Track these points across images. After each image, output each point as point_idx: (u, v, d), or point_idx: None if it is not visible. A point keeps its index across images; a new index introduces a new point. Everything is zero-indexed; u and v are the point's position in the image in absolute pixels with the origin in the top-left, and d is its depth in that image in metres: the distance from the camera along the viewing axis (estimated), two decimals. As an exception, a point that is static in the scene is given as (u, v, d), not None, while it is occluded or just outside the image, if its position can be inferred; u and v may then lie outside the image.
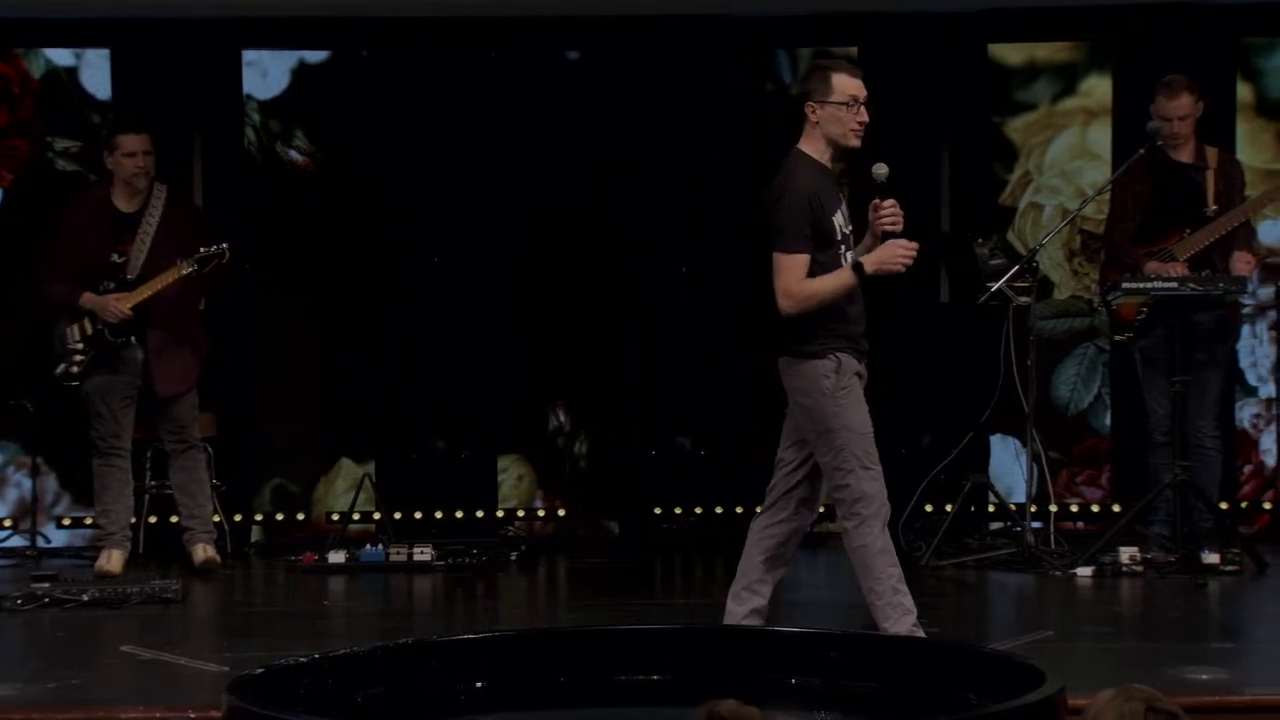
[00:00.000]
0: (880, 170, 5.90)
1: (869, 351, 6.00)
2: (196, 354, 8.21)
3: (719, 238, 9.32)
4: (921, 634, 5.82)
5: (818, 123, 5.94)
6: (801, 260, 5.83)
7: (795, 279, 5.84)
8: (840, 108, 5.88)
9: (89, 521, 8.88)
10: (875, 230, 5.91)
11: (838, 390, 5.89)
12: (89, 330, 8.04)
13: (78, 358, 8.06)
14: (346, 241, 9.27)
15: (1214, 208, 7.99)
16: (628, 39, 9.31)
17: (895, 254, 5.79)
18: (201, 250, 7.87)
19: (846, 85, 5.91)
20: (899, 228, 5.86)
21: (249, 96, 9.33)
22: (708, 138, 9.31)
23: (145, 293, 7.96)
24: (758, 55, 9.47)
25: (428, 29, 9.24)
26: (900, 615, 5.85)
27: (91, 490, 8.36)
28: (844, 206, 6.00)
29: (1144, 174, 8.03)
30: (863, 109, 5.91)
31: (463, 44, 9.30)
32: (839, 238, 5.91)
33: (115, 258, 8.04)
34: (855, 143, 5.93)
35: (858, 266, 5.82)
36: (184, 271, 7.87)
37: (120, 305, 7.95)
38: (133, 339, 8.03)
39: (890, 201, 5.87)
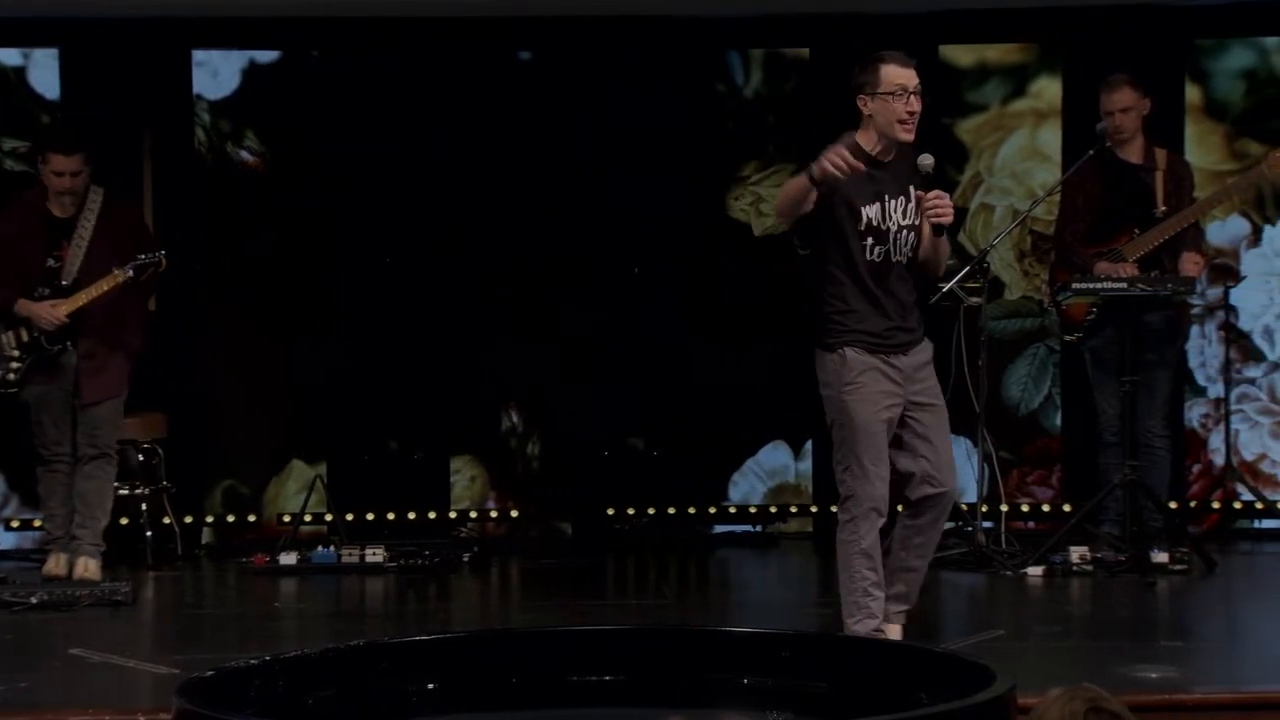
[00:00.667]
0: (925, 161, 5.95)
1: (904, 344, 6.00)
2: (128, 360, 8.05)
3: (672, 237, 9.33)
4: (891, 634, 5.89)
5: (870, 115, 5.99)
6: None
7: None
8: (888, 98, 5.92)
9: (37, 524, 8.83)
10: (929, 221, 5.98)
11: (843, 385, 5.97)
12: (25, 337, 7.90)
13: (14, 364, 7.91)
14: (297, 242, 9.24)
15: (1163, 208, 8.04)
16: (579, 40, 9.31)
17: (828, 153, 5.78)
18: (139, 257, 7.74)
19: (895, 75, 5.95)
20: (947, 219, 5.93)
21: (199, 97, 9.29)
22: (659, 138, 9.31)
23: (81, 299, 7.80)
24: (709, 56, 9.48)
25: (378, 29, 9.22)
26: (863, 618, 5.91)
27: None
28: (895, 202, 5.97)
29: (1093, 174, 8.07)
30: (913, 98, 5.93)
31: (413, 44, 9.29)
32: (863, 227, 5.93)
33: (50, 263, 7.89)
34: (903, 135, 5.95)
35: (808, 169, 5.83)
36: (120, 279, 7.73)
37: (56, 312, 7.80)
38: (69, 345, 7.91)
39: (934, 192, 5.91)
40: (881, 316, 5.98)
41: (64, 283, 7.88)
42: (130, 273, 7.72)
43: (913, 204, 5.99)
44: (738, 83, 9.48)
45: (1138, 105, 8.06)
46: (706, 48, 9.45)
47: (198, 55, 9.28)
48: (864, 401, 5.95)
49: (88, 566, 7.90)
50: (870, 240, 5.94)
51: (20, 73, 9.24)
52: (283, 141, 9.32)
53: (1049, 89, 9.32)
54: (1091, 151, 7.93)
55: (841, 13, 9.23)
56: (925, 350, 6.06)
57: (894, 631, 6.04)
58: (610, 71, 9.32)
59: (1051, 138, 9.27)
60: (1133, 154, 8.11)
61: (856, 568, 5.97)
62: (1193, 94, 9.20)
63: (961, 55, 9.40)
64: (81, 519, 7.96)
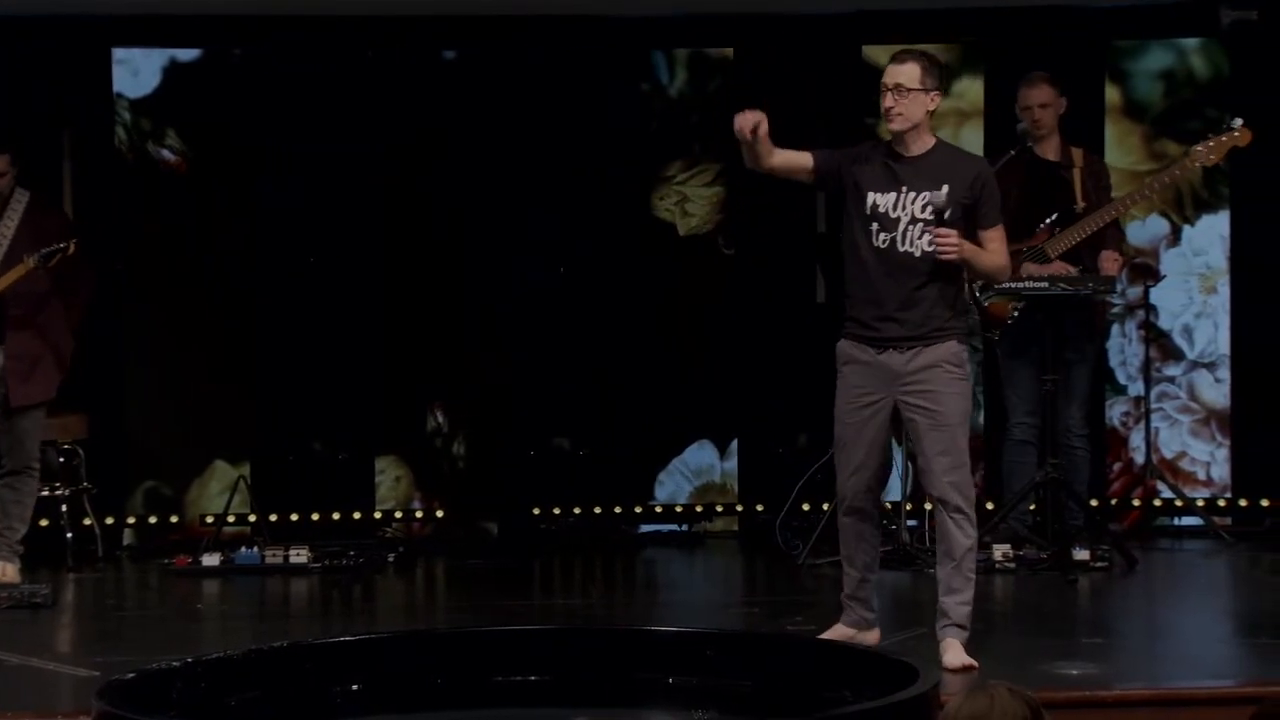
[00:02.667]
0: (937, 199, 5.98)
1: (897, 340, 6.00)
2: (59, 365, 7.96)
3: (598, 237, 9.33)
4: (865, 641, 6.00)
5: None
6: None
7: None
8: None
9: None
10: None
11: (837, 374, 6.17)
12: None
13: None
14: (219, 242, 9.18)
15: (1082, 204, 8.11)
16: (504, 39, 9.29)
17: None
18: (50, 247, 7.63)
19: (884, 73, 6.14)
20: (946, 255, 5.95)
21: (119, 95, 9.21)
22: (584, 138, 9.31)
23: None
24: (634, 56, 9.49)
25: (302, 27, 9.17)
26: (838, 623, 6.12)
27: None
28: (915, 195, 6.00)
29: (1014, 173, 8.13)
30: (888, 94, 6.04)
31: (337, 43, 9.24)
32: (868, 211, 6.01)
33: None
34: (889, 127, 6.07)
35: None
36: (29, 266, 7.62)
37: None
38: None
39: (941, 230, 5.94)
40: (873, 305, 6.01)
41: None
42: (36, 260, 7.60)
43: (941, 200, 6.01)
44: (662, 82, 9.49)
45: (1054, 103, 8.15)
46: (631, 47, 9.45)
47: (118, 53, 9.20)
48: (841, 393, 6.10)
49: (5, 571, 7.79)
50: (875, 226, 6.00)
51: (-63, 70, 9.13)
52: (204, 140, 9.25)
53: (971, 89, 9.37)
54: (1013, 151, 7.99)
55: (765, 13, 9.26)
56: (931, 354, 5.98)
57: (949, 649, 6.01)
58: (535, 71, 9.31)
59: (974, 137, 9.31)
60: (1050, 151, 8.19)
61: (844, 569, 6.14)
62: (1112, 94, 9.28)
63: (884, 56, 9.29)
64: None
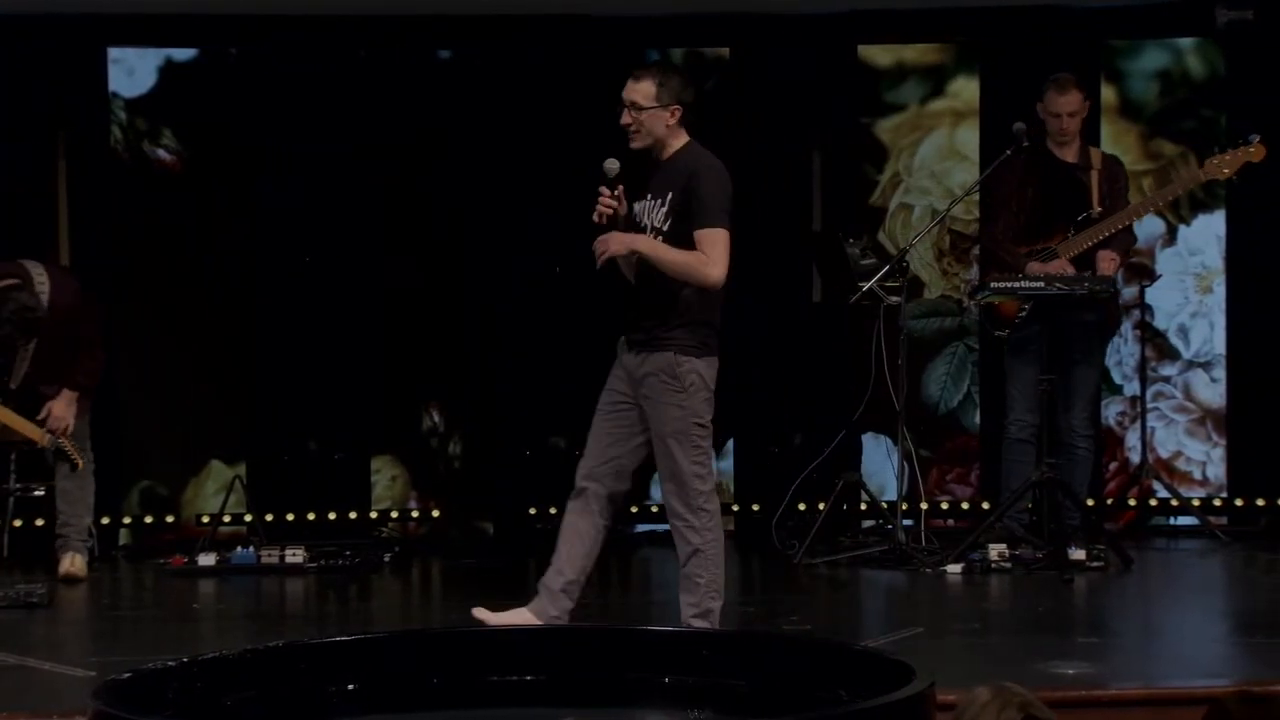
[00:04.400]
0: (610, 165, 6.04)
1: (632, 343, 6.10)
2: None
3: (593, 237, 9.31)
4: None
5: None
6: None
7: None
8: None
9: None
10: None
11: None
12: None
13: None
14: (215, 241, 9.18)
15: (1098, 209, 8.11)
16: (499, 39, 9.29)
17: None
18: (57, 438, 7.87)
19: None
20: (601, 258, 6.06)
21: (115, 95, 9.21)
22: (579, 138, 9.30)
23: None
24: (629, 55, 9.47)
25: (297, 27, 9.17)
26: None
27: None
28: (654, 202, 6.08)
29: (1031, 174, 8.12)
30: (625, 112, 6.09)
31: (332, 42, 9.24)
32: (633, 218, 6.12)
33: None
34: (630, 144, 6.10)
35: None
36: (41, 439, 7.87)
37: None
38: None
39: (603, 237, 6.03)
40: (628, 307, 6.12)
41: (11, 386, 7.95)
42: (48, 440, 7.85)
43: (665, 209, 6.03)
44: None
45: (1083, 109, 8.15)
46: (627, 47, 9.44)
47: (113, 53, 9.20)
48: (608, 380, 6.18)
49: (74, 561, 8.02)
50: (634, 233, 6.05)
51: (-67, 69, 9.12)
52: (200, 140, 9.25)
53: (967, 89, 9.38)
54: (1009, 151, 7.99)
55: (761, 12, 9.26)
56: (651, 362, 5.99)
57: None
58: (530, 71, 9.31)
59: (970, 137, 9.33)
60: (1069, 153, 8.19)
61: None
62: (1108, 94, 9.28)
63: (880, 55, 9.45)
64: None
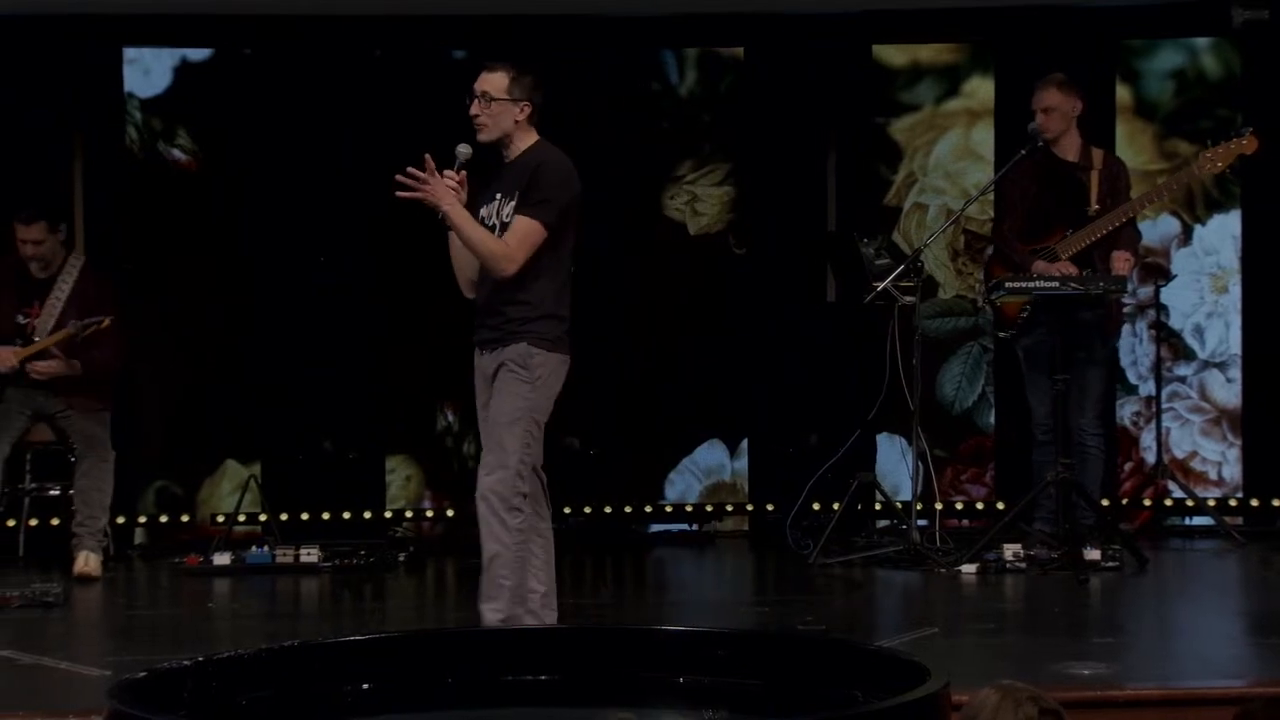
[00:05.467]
0: (462, 150, 5.97)
1: (483, 342, 6.05)
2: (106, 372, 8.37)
3: (605, 237, 9.33)
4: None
5: None
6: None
7: None
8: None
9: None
10: None
11: None
12: None
13: None
14: (230, 240, 9.19)
15: (1096, 207, 8.10)
16: (514, 39, 9.29)
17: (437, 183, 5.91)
18: (88, 319, 8.09)
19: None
20: (422, 195, 5.97)
21: (131, 95, 9.23)
22: (594, 137, 9.31)
23: (34, 349, 8.15)
24: (644, 55, 9.49)
25: (312, 27, 9.18)
26: None
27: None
28: (501, 201, 6.01)
29: (1030, 173, 8.13)
30: (475, 102, 6.04)
31: (347, 42, 9.25)
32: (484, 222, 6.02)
33: (20, 319, 8.24)
34: (477, 137, 6.05)
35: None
36: (70, 331, 8.09)
37: (10, 357, 8.13)
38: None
39: (448, 173, 5.94)
40: (480, 311, 6.07)
41: (35, 338, 8.21)
42: (76, 328, 8.08)
43: (511, 205, 5.96)
44: (673, 81, 9.50)
45: (1062, 105, 8.11)
46: (641, 47, 9.46)
47: (129, 53, 9.23)
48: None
49: (89, 561, 8.09)
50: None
51: (-51, 70, 9.15)
52: (215, 140, 9.27)
53: (982, 89, 9.37)
54: (1024, 151, 7.99)
55: (776, 12, 9.26)
56: (504, 354, 5.95)
57: None
58: (544, 70, 9.28)
59: (985, 137, 9.33)
60: (1069, 153, 8.18)
61: None
62: (1123, 94, 9.28)
63: (894, 55, 9.44)
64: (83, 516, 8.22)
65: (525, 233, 5.91)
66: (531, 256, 5.93)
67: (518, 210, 5.93)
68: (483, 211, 6.01)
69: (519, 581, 5.95)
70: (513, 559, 5.94)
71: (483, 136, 6.02)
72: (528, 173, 5.96)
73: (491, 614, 5.92)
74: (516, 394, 5.92)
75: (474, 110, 5.99)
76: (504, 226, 5.95)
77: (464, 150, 5.95)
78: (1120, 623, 7.05)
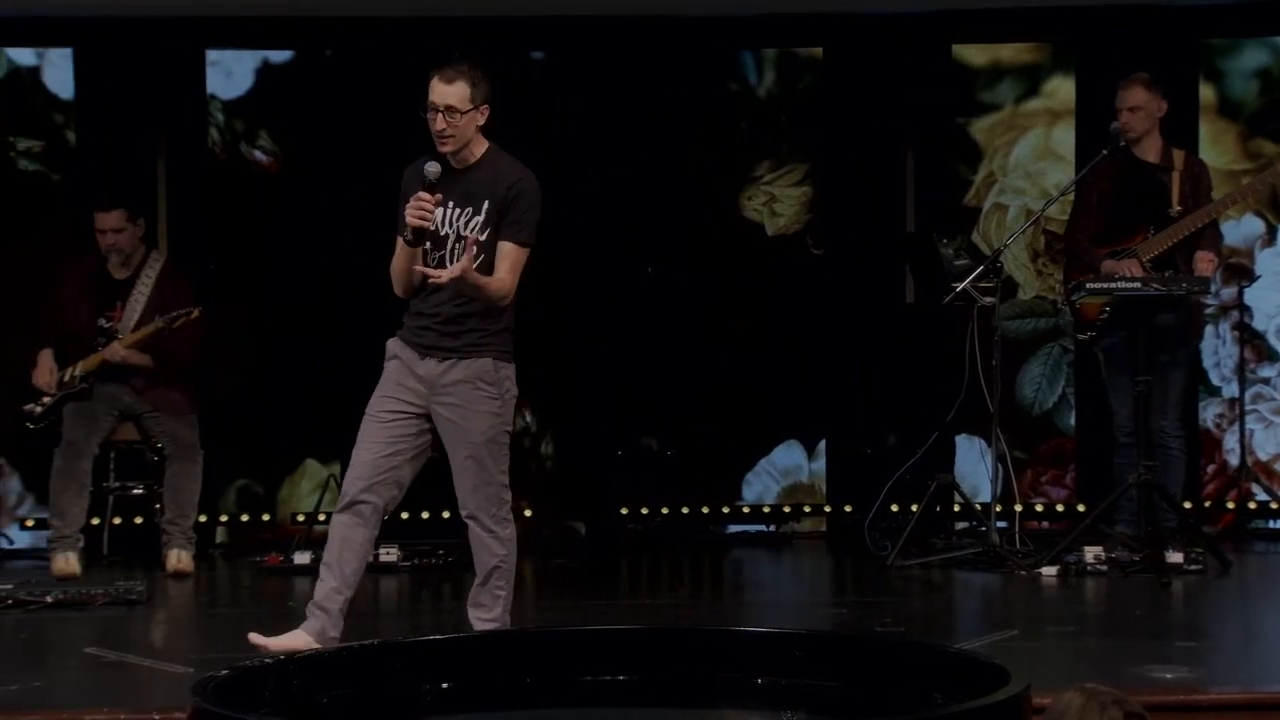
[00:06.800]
0: (431, 169, 5.75)
1: (442, 348, 5.81)
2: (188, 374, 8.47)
3: (684, 237, 9.34)
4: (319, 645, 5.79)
5: None
6: (397, 241, 5.86)
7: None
8: (426, 114, 5.82)
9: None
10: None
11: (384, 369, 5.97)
12: (65, 378, 8.24)
13: (46, 399, 8.24)
14: (310, 241, 9.25)
15: (1178, 208, 8.02)
16: (593, 39, 9.32)
17: (409, 208, 5.70)
18: (176, 311, 8.15)
19: (430, 90, 5.84)
20: (424, 223, 5.72)
21: (213, 96, 9.31)
22: (672, 138, 9.32)
23: (131, 340, 8.20)
24: (722, 56, 9.49)
25: (392, 29, 9.23)
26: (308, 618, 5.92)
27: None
28: (459, 210, 5.80)
29: (1110, 174, 8.07)
30: (439, 117, 5.79)
31: (427, 44, 9.28)
32: (436, 232, 5.80)
33: (103, 322, 8.29)
34: (440, 149, 5.81)
35: (402, 234, 5.77)
36: (158, 325, 8.14)
37: (119, 349, 8.21)
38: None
39: (420, 194, 5.71)
40: (419, 316, 5.88)
41: (117, 338, 8.27)
42: (164, 321, 8.13)
43: (480, 218, 5.79)
44: (751, 82, 9.49)
45: (1148, 105, 8.04)
46: (720, 47, 9.45)
47: (211, 55, 9.30)
48: (379, 387, 5.99)
49: (180, 558, 8.21)
50: (430, 245, 5.79)
51: (35, 73, 9.26)
52: (296, 141, 9.33)
53: (1063, 88, 9.31)
54: (1105, 151, 7.93)
55: (855, 12, 9.24)
56: (464, 369, 5.79)
57: None
58: (623, 72, 9.32)
59: (1066, 137, 9.27)
60: (1150, 153, 8.10)
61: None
62: (1206, 94, 9.19)
63: (975, 55, 9.40)
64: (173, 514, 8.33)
65: (517, 261, 5.80)
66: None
67: (504, 236, 5.77)
68: (435, 214, 5.77)
69: (511, 590, 5.95)
70: (509, 570, 5.92)
71: (449, 149, 5.81)
72: (501, 191, 5.79)
73: (482, 622, 5.89)
74: (487, 412, 5.81)
75: (440, 126, 5.78)
76: (463, 239, 5.76)
77: (433, 169, 5.73)
78: (1203, 626, 6.99)
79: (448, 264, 5.76)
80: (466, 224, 5.79)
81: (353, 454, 5.95)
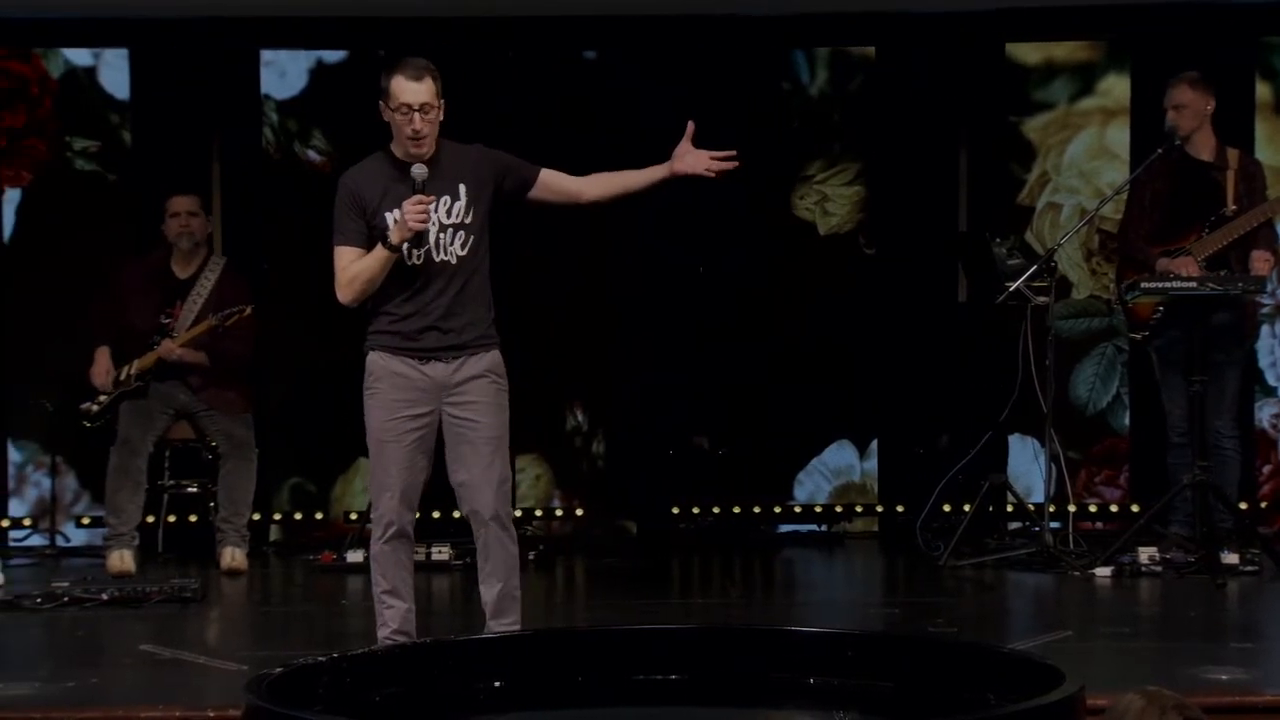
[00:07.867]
0: (418, 172, 5.70)
1: (448, 348, 5.75)
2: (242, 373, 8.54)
3: (736, 237, 9.33)
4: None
5: (389, 123, 5.81)
6: (342, 252, 5.79)
7: (339, 269, 5.81)
8: (395, 114, 5.73)
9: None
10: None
11: (367, 390, 5.90)
12: (121, 377, 8.31)
13: (102, 397, 8.32)
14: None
15: (1233, 208, 7.97)
16: (645, 39, 9.32)
17: (406, 215, 5.63)
18: (228, 309, 8.24)
19: (401, 92, 5.70)
20: (426, 226, 5.68)
21: (267, 96, 9.35)
22: (724, 137, 9.28)
23: (184, 338, 8.28)
24: (774, 55, 9.48)
25: (445, 29, 9.25)
26: (380, 626, 5.94)
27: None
28: (441, 200, 5.74)
29: (1163, 173, 8.02)
30: (417, 116, 5.68)
31: (480, 44, 9.31)
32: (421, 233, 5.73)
33: (163, 319, 8.37)
34: (415, 151, 5.70)
35: (385, 240, 5.68)
36: (212, 323, 8.22)
37: (172, 347, 8.28)
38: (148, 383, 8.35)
39: (417, 198, 5.65)
40: (412, 319, 5.79)
41: (174, 336, 8.35)
42: (217, 319, 8.22)
43: (463, 202, 5.75)
44: (803, 81, 9.47)
45: (1193, 103, 7.97)
46: (772, 46, 9.44)
47: (266, 55, 9.35)
48: (379, 408, 5.85)
49: (234, 556, 8.28)
50: (407, 245, 5.71)
51: (91, 73, 9.33)
52: (349, 141, 9.35)
53: (1117, 87, 9.27)
54: (1160, 150, 7.88)
55: (908, 11, 9.21)
56: (478, 364, 5.76)
57: None
58: (675, 71, 9.32)
59: (1120, 136, 9.22)
60: (1204, 152, 8.05)
61: (373, 574, 6.03)
62: (1262, 91, 9.14)
63: (1028, 53, 9.36)
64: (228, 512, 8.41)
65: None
66: (485, 261, 5.85)
67: (530, 173, 5.99)
68: (398, 216, 5.70)
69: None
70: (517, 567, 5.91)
71: (426, 149, 5.74)
72: (471, 166, 5.78)
73: (507, 629, 5.88)
74: (503, 406, 5.80)
75: (419, 125, 5.70)
76: (457, 227, 5.75)
77: (421, 172, 5.69)
78: (1259, 628, 6.94)
79: (434, 257, 5.73)
80: (447, 212, 5.76)
81: (379, 478, 5.89)
